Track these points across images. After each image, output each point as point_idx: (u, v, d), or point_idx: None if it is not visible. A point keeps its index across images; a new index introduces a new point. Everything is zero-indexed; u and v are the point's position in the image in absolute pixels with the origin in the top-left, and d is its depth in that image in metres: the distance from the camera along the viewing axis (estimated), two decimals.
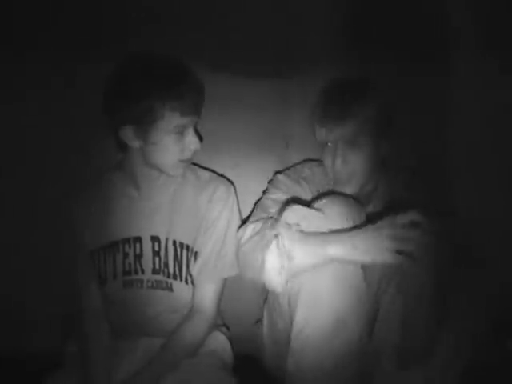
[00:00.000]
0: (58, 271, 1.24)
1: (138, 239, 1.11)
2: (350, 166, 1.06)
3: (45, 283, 1.31)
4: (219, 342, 1.17)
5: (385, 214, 1.00)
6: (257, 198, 1.21)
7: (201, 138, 1.07)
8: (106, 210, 1.12)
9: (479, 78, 1.30)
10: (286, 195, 1.12)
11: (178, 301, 1.11)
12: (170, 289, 1.11)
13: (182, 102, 0.99)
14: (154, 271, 1.11)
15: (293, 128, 1.33)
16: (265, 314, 1.18)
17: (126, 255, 1.11)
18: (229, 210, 1.13)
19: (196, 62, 1.16)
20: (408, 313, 0.96)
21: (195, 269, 1.11)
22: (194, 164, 1.20)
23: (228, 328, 1.26)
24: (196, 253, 1.11)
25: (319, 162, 1.18)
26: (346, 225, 0.94)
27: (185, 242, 1.11)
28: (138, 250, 1.11)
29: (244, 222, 1.14)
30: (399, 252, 0.86)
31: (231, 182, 1.20)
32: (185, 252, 1.11)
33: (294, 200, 1.09)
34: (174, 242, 1.11)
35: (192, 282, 1.11)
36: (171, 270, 1.11)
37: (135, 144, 1.02)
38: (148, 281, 1.11)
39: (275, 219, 1.01)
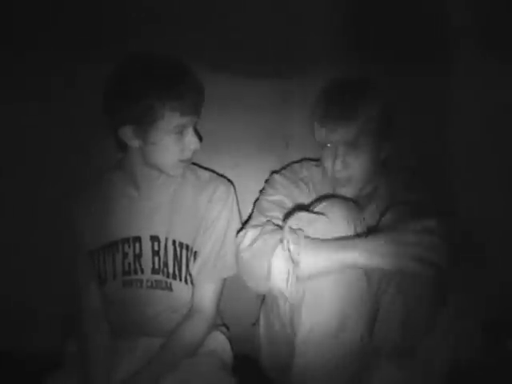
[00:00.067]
0: (58, 271, 1.24)
1: (138, 239, 1.11)
2: (349, 168, 1.06)
3: (45, 283, 1.31)
4: (219, 341, 1.17)
5: (385, 217, 1.00)
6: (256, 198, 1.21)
7: (200, 138, 1.07)
8: (105, 210, 1.12)
9: (479, 78, 1.30)
10: (284, 196, 1.12)
11: (177, 301, 1.11)
12: (170, 288, 1.11)
13: (181, 101, 0.99)
14: (154, 271, 1.11)
15: (293, 128, 1.33)
16: (262, 314, 1.18)
17: (125, 255, 1.11)
18: (228, 209, 1.13)
19: (196, 61, 1.16)
20: (408, 313, 0.96)
21: (195, 268, 1.11)
22: (194, 164, 1.20)
23: (227, 328, 1.26)
24: (195, 253, 1.11)
25: (317, 161, 1.18)
26: (348, 228, 0.95)
27: (184, 241, 1.11)
28: (137, 250, 1.11)
29: (243, 224, 1.14)
30: (419, 259, 0.86)
31: (231, 182, 1.20)
32: (184, 252, 1.11)
33: (298, 206, 1.09)
34: (174, 242, 1.11)
35: (191, 282, 1.11)
36: (171, 270, 1.11)
37: (135, 144, 1.03)
38: (147, 280, 1.11)
39: (279, 226, 1.01)
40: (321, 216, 0.95)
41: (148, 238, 1.11)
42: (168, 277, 1.11)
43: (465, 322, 0.96)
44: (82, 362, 1.05)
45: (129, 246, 1.11)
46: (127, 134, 1.01)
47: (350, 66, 1.29)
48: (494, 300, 1.21)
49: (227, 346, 1.18)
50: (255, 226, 1.04)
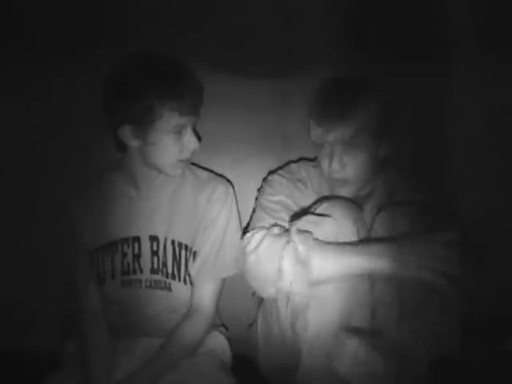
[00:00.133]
0: (57, 271, 1.24)
1: (137, 239, 1.11)
2: (346, 167, 1.04)
3: (45, 283, 1.31)
4: (218, 341, 1.17)
5: (378, 217, 1.00)
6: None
7: (199, 138, 1.07)
8: (105, 210, 1.12)
9: (479, 78, 1.30)
10: (286, 197, 1.11)
11: (176, 301, 1.11)
12: (169, 289, 1.11)
13: (181, 101, 0.99)
14: (153, 271, 1.11)
15: (293, 128, 1.33)
16: (260, 316, 1.17)
17: (124, 255, 1.11)
18: (228, 209, 1.13)
19: (196, 62, 1.16)
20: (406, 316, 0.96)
21: (194, 268, 1.11)
22: (194, 164, 1.20)
23: (227, 328, 1.26)
24: (195, 252, 1.11)
25: (315, 161, 1.17)
26: (352, 229, 0.95)
27: (183, 241, 1.11)
28: (136, 250, 1.11)
29: (247, 224, 1.14)
30: (438, 272, 0.86)
31: (230, 182, 1.20)
32: (183, 252, 1.11)
33: (302, 208, 1.09)
34: (173, 242, 1.10)
35: (191, 282, 1.11)
36: (170, 270, 1.10)
37: (134, 144, 1.02)
38: (146, 281, 1.11)
39: (285, 228, 1.01)
40: (327, 217, 0.95)
41: (147, 237, 1.11)
42: (167, 277, 1.11)
43: (447, 315, 0.95)
44: (81, 361, 1.04)
45: (128, 246, 1.11)
46: (126, 133, 1.01)
47: (350, 66, 1.28)
48: (493, 300, 1.21)
49: (226, 346, 1.18)
50: (262, 228, 1.02)
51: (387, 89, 1.13)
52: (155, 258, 1.11)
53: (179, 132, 1.02)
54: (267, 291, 0.98)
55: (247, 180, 1.30)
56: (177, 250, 1.10)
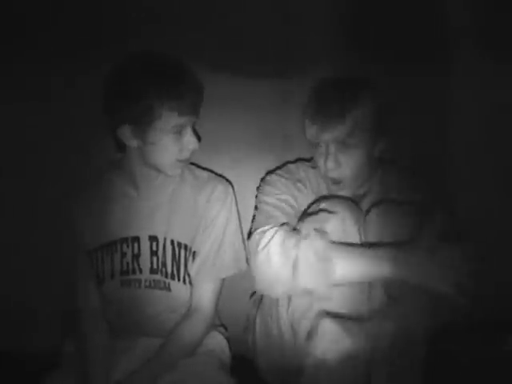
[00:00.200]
0: (57, 271, 1.23)
1: (136, 239, 1.11)
2: (342, 166, 1.04)
3: (45, 283, 1.31)
4: (217, 341, 1.17)
5: (369, 215, 1.00)
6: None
7: (199, 138, 1.07)
8: (105, 210, 1.12)
9: (478, 78, 1.30)
10: (289, 196, 1.11)
11: (176, 300, 1.11)
12: (168, 288, 1.11)
13: (180, 101, 0.99)
14: (152, 271, 1.11)
15: (293, 128, 1.33)
16: (258, 318, 1.15)
17: (123, 255, 1.11)
18: (227, 209, 1.13)
19: (196, 62, 1.16)
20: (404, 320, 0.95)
21: (193, 268, 1.11)
22: (194, 164, 1.20)
23: (226, 328, 1.26)
24: (194, 252, 1.11)
25: (311, 161, 1.17)
26: (353, 227, 0.96)
27: (183, 241, 1.11)
28: (135, 250, 1.11)
29: (251, 224, 1.14)
30: (451, 282, 0.87)
31: (230, 182, 1.20)
32: (183, 252, 1.11)
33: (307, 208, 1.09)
34: (172, 242, 1.10)
35: (190, 282, 1.11)
36: (169, 270, 1.11)
37: (133, 144, 1.03)
38: (146, 280, 1.11)
39: (293, 227, 1.01)
40: (333, 215, 0.95)
41: (147, 237, 1.11)
42: (166, 277, 1.11)
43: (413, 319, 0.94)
44: (80, 361, 1.04)
45: (127, 246, 1.11)
46: (126, 133, 1.01)
47: (350, 66, 1.28)
48: (492, 300, 1.21)
49: (225, 346, 1.18)
50: (271, 226, 1.02)
51: (387, 89, 1.13)
52: (154, 258, 1.11)
53: (179, 132, 1.02)
54: (276, 291, 0.98)
55: (247, 180, 1.30)
56: (176, 249, 1.11)
